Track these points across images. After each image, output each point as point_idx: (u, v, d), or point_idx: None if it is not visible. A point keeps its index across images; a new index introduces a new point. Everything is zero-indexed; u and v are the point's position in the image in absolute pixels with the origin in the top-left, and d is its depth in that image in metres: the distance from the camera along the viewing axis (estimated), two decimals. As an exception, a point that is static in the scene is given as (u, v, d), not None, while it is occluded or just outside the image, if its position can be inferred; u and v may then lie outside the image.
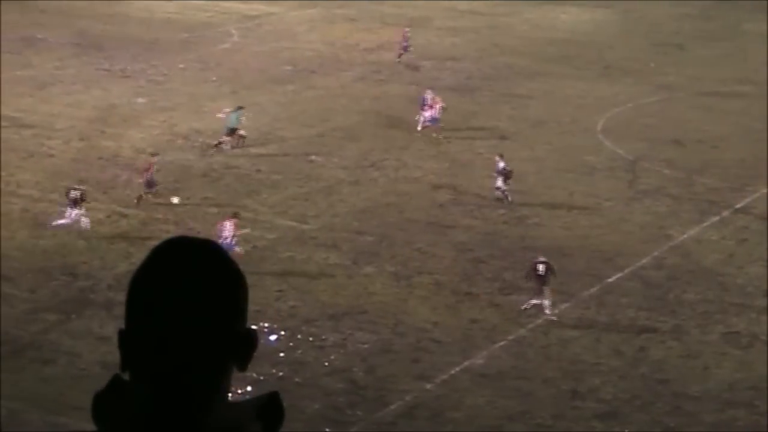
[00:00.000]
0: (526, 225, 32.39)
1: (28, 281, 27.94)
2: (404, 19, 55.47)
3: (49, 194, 33.30)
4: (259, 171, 35.84)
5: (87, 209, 30.93)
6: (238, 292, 2.47)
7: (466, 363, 24.93)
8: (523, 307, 26.96)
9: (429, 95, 39.71)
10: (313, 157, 37.04)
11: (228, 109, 37.84)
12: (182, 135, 38.72)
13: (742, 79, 47.67)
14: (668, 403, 23.76)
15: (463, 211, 33.12)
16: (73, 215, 30.73)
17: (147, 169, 32.84)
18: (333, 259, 29.76)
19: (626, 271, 29.55)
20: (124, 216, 31.93)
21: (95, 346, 24.48)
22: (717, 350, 26.06)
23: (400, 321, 26.67)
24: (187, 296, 2.41)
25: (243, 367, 2.49)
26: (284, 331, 25.93)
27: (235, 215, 29.46)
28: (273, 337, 25.44)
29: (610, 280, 28.91)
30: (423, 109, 39.43)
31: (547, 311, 26.93)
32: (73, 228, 30.63)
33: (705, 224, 32.97)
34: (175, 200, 32.49)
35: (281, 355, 24.86)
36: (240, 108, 37.88)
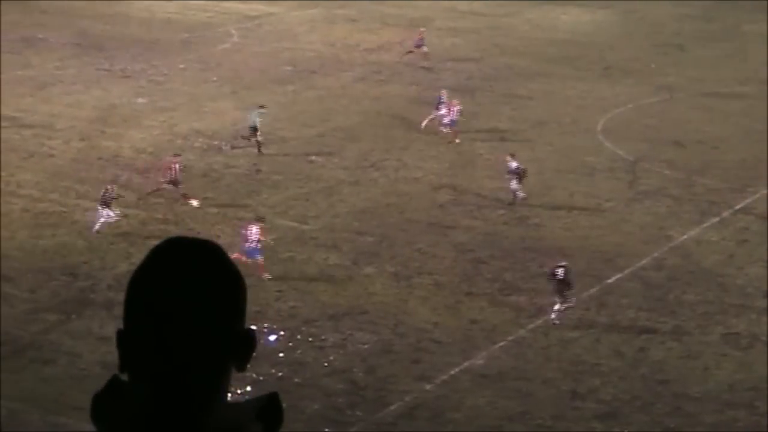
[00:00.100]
0: (526, 225, 32.39)
1: (28, 281, 27.93)
2: (405, 19, 55.49)
3: (49, 194, 33.31)
4: (259, 171, 35.83)
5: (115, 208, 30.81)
6: (238, 293, 2.47)
7: (467, 363, 24.92)
8: (553, 316, 26.79)
9: (444, 95, 39.65)
10: (313, 158, 37.04)
11: (254, 113, 37.61)
12: (182, 135, 38.72)
13: (742, 79, 47.67)
14: (668, 403, 23.75)
15: (463, 211, 33.11)
16: (108, 214, 30.58)
17: (169, 169, 32.72)
18: (333, 260, 29.75)
19: (626, 271, 29.54)
20: (124, 216, 31.91)
21: (95, 347, 24.47)
22: (717, 351, 26.05)
23: (400, 321, 26.67)
24: (186, 296, 2.40)
25: (242, 368, 2.48)
26: (284, 331, 25.93)
27: (260, 219, 29.08)
28: (273, 338, 25.44)
29: (610, 280, 28.90)
30: (438, 109, 39.39)
31: (553, 315, 26.83)
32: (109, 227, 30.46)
33: (705, 225, 32.96)
34: (195, 203, 32.41)
35: (281, 355, 24.85)
36: (261, 107, 37.78)
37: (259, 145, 36.78)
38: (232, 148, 37.51)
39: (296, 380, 23.88)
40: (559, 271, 26.83)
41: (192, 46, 50.38)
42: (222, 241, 26.28)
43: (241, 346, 2.47)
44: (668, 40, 54.09)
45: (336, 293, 27.91)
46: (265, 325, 25.76)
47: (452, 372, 24.55)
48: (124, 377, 2.47)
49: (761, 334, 26.76)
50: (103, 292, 27.22)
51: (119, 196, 30.98)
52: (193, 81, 45.26)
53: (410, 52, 48.29)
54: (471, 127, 39.87)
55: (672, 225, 32.79)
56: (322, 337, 25.82)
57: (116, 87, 44.01)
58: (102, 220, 30.38)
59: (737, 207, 34.28)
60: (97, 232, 30.20)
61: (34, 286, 27.71)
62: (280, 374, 24.01)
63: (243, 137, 37.15)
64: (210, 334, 2.41)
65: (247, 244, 28.18)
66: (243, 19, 55.56)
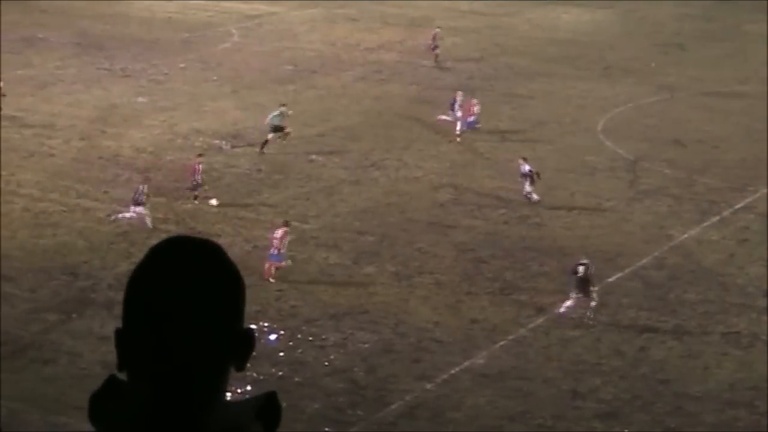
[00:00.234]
0: (527, 225, 32.38)
1: (28, 281, 27.93)
2: (405, 18, 55.50)
3: (49, 194, 33.31)
4: (259, 171, 35.83)
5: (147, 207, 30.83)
6: (237, 292, 2.46)
7: (467, 363, 24.91)
8: (562, 310, 26.85)
9: (459, 97, 39.64)
10: (313, 157, 37.04)
11: (275, 112, 37.57)
12: (183, 135, 38.72)
13: (743, 79, 47.66)
14: (669, 403, 23.75)
15: (464, 211, 33.11)
16: (136, 211, 30.60)
17: (194, 171, 32.70)
18: (334, 259, 29.75)
19: (627, 271, 29.53)
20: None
21: (96, 346, 24.47)
22: (718, 350, 26.04)
23: (400, 321, 26.66)
24: (187, 296, 2.40)
25: (241, 367, 2.48)
26: (285, 330, 25.92)
27: (286, 223, 28.89)
28: (273, 337, 25.43)
29: (610, 280, 28.88)
30: (452, 110, 39.38)
31: (563, 309, 26.87)
32: (135, 224, 30.44)
33: (706, 224, 32.95)
34: (214, 202, 32.41)
35: (282, 354, 24.85)
36: (282, 106, 37.77)
37: (286, 135, 36.77)
38: (232, 147, 37.51)
39: (297, 380, 23.88)
40: (581, 269, 26.82)
41: (192, 46, 50.38)
42: (222, 241, 26.28)
43: (241, 346, 2.47)
44: (668, 39, 54.08)
45: (336, 293, 27.90)
46: (266, 324, 25.76)
47: (453, 371, 24.55)
48: (122, 376, 2.47)
49: (762, 333, 26.76)
50: (103, 292, 27.21)
51: (148, 195, 30.93)
52: (194, 80, 45.25)
53: (436, 54, 48.06)
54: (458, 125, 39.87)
55: (672, 224, 32.78)
56: (323, 337, 25.81)
57: (117, 86, 44.02)
58: (130, 215, 30.42)
59: (738, 206, 34.28)
60: (113, 220, 30.21)
61: (35, 286, 27.70)
62: (280, 374, 24.00)
63: (271, 138, 36.94)
64: (210, 333, 2.41)
65: (272, 251, 28.06)
66: (243, 19, 55.56)
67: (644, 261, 30.04)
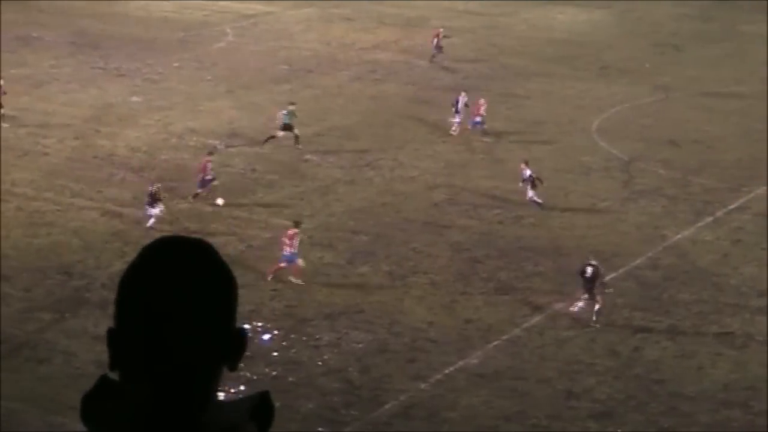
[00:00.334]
0: (522, 225, 32.40)
1: (23, 280, 27.90)
2: (401, 18, 55.49)
3: (44, 193, 33.27)
4: (254, 170, 35.81)
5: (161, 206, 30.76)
6: (230, 291, 2.46)
7: (462, 363, 24.92)
8: (575, 309, 26.84)
9: (462, 98, 39.64)
10: (308, 156, 37.02)
11: (284, 111, 37.56)
12: (178, 134, 38.69)
13: (738, 79, 47.70)
14: (663, 403, 23.77)
15: (459, 211, 33.12)
16: (154, 212, 30.54)
17: (203, 169, 32.70)
18: (328, 259, 29.74)
19: (621, 271, 29.55)
20: (119, 215, 31.92)
21: (91, 346, 24.44)
22: (712, 350, 26.07)
23: (395, 321, 26.67)
24: (182, 296, 2.39)
25: (234, 367, 2.48)
26: (279, 330, 25.92)
27: (296, 224, 28.79)
28: (268, 337, 25.42)
29: (605, 280, 28.89)
30: (457, 111, 39.41)
31: (576, 309, 26.85)
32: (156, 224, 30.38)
33: (700, 224, 32.99)
34: (220, 202, 32.39)
35: (276, 354, 24.84)
36: (291, 104, 37.77)
37: (296, 137, 36.74)
38: (227, 147, 37.49)
39: (291, 379, 23.87)
40: (589, 270, 26.77)
41: (188, 45, 50.34)
42: (216, 240, 26.28)
43: (235, 345, 2.47)
44: (665, 39, 54.11)
45: (331, 292, 27.90)
46: (260, 324, 25.75)
47: (447, 371, 24.55)
48: (114, 376, 2.46)
49: (756, 333, 26.79)
50: (98, 291, 27.19)
51: (163, 195, 30.86)
52: (189, 80, 45.22)
53: (438, 48, 48.13)
54: (467, 127, 39.87)
55: (667, 224, 32.81)
56: (317, 337, 25.81)
57: (112, 86, 43.97)
58: (152, 218, 30.35)
59: (732, 206, 34.31)
60: (151, 227, 30.11)
61: (29, 285, 27.68)
62: (275, 373, 23.99)
63: (276, 136, 36.92)
64: (207, 333, 2.40)
65: (285, 250, 28.02)
66: (239, 18, 55.53)
67: (639, 261, 30.07)
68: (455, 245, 30.79)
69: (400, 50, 50.02)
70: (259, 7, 57.40)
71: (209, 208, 32.39)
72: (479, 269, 29.45)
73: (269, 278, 27.94)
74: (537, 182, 33.15)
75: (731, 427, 23.11)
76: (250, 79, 45.50)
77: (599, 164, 37.47)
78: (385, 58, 48.94)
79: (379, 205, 33.31)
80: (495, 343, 25.85)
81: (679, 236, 32.07)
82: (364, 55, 49.67)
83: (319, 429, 22.29)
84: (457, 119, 39.40)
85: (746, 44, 53.38)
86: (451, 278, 28.89)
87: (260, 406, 2.47)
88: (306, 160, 36.76)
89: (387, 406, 23.20)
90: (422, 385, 24.04)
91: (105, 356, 2.48)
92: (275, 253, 29.74)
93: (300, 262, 28.08)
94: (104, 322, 25.10)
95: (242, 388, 21.97)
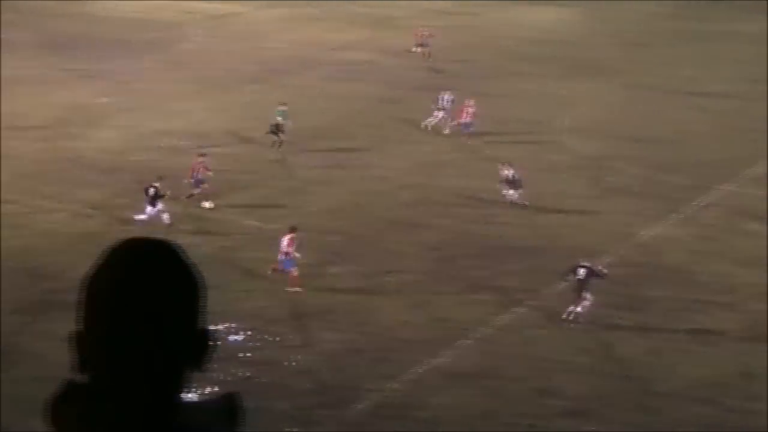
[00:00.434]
0: (493, 224, 32.46)
1: (-8, 283, 27.67)
2: (372, 18, 55.52)
3: (13, 195, 33.03)
4: (226, 171, 35.69)
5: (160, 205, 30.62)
6: (194, 292, 2.44)
7: (434, 362, 24.93)
8: (564, 317, 26.78)
9: (447, 96, 39.61)
10: (280, 157, 36.95)
11: (278, 108, 37.52)
12: (147, 135, 38.54)
13: (707, 77, 47.99)
14: (635, 399, 23.87)
15: (431, 210, 33.15)
16: (153, 211, 30.38)
17: (195, 170, 32.57)
18: (301, 259, 29.66)
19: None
20: (89, 216, 31.74)
21: (60, 348, 24.23)
22: (683, 347, 26.20)
23: (367, 320, 26.66)
24: (144, 297, 2.38)
25: (201, 368, 2.46)
26: (250, 331, 25.84)
27: (293, 229, 28.45)
28: (238, 338, 25.35)
29: (604, 270, 28.93)
30: (441, 109, 39.40)
31: (572, 313, 26.82)
32: (152, 224, 30.15)
33: (670, 222, 33.16)
34: (207, 205, 32.25)
35: (247, 355, 24.77)
36: (282, 105, 37.68)
37: (280, 142, 36.70)
38: (198, 147, 37.30)
39: (263, 380, 23.82)
40: (581, 271, 26.79)
41: (158, 46, 50.16)
42: (188, 241, 26.17)
43: (203, 346, 2.45)
44: (635, 38, 54.38)
45: (303, 292, 27.84)
46: (232, 324, 25.67)
47: (419, 370, 24.56)
48: (80, 379, 2.44)
49: (726, 330, 26.95)
50: (68, 293, 27.01)
51: (165, 194, 30.73)
52: (159, 81, 45.05)
53: (428, 53, 48.24)
54: (437, 126, 39.93)
55: (637, 222, 32.96)
56: (289, 337, 25.76)
57: (81, 87, 43.75)
58: (165, 213, 30.19)
59: (702, 204, 34.52)
60: (170, 224, 30.02)
61: (-1, 288, 27.46)
62: (246, 374, 23.93)
63: (270, 134, 36.90)
64: (168, 334, 2.39)
65: (280, 256, 27.88)
66: (208, 19, 55.39)
67: (609, 259, 30.18)
68: (427, 244, 30.82)
69: (371, 49, 50.02)
70: (229, 8, 57.29)
71: (179, 209, 32.25)
72: (451, 268, 29.48)
73: (296, 289, 27.58)
74: (517, 184, 33.18)
75: (702, 423, 23.23)
76: (220, 79, 45.38)
77: (569, 162, 37.60)
78: (357, 58, 48.93)
79: (351, 205, 33.30)
80: (467, 341, 25.88)
81: (649, 234, 32.22)
82: (335, 54, 49.66)
83: (292, 429, 22.24)
84: (439, 115, 39.40)
85: (716, 43, 53.73)
86: (423, 277, 28.91)
87: (231, 408, 2.46)
88: (278, 161, 36.68)
89: (359, 406, 23.19)
90: (394, 385, 24.04)
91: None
92: (247, 253, 29.68)
93: (294, 271, 27.78)
94: (74, 325, 24.96)
95: (214, 389, 21.89)
